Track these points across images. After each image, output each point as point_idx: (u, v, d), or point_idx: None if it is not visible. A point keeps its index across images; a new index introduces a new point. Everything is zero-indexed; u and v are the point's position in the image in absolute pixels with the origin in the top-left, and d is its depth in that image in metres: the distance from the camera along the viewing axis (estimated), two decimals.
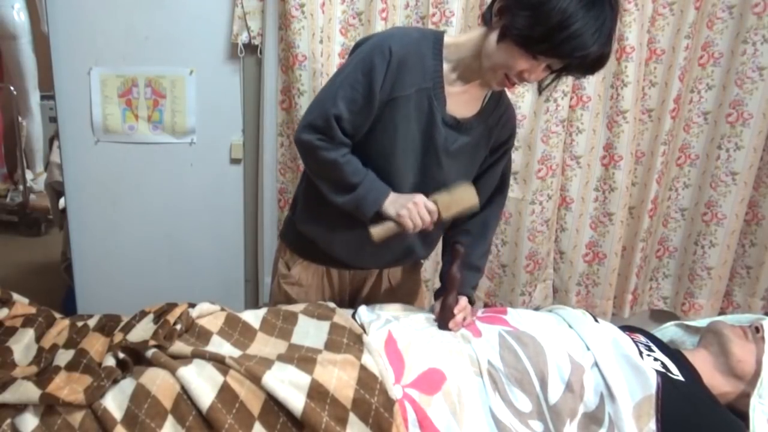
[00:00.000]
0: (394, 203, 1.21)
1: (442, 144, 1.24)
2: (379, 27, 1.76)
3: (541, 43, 1.05)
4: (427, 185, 1.26)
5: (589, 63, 1.08)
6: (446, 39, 1.22)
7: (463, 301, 1.32)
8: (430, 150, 1.24)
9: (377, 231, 1.21)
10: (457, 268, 1.33)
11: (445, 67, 1.21)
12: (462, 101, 1.24)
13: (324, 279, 1.43)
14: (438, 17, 1.78)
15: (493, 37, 1.12)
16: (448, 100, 1.22)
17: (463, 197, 1.23)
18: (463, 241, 1.37)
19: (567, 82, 1.85)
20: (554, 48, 1.05)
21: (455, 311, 1.29)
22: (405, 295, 1.49)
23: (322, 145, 1.19)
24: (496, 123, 1.31)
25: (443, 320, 1.29)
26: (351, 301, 1.49)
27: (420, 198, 1.21)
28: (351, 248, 1.35)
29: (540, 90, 1.23)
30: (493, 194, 1.41)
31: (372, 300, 1.47)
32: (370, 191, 1.21)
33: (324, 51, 1.78)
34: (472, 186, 1.25)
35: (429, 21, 1.78)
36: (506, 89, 1.26)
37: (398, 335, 1.18)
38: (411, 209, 1.19)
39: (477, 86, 1.24)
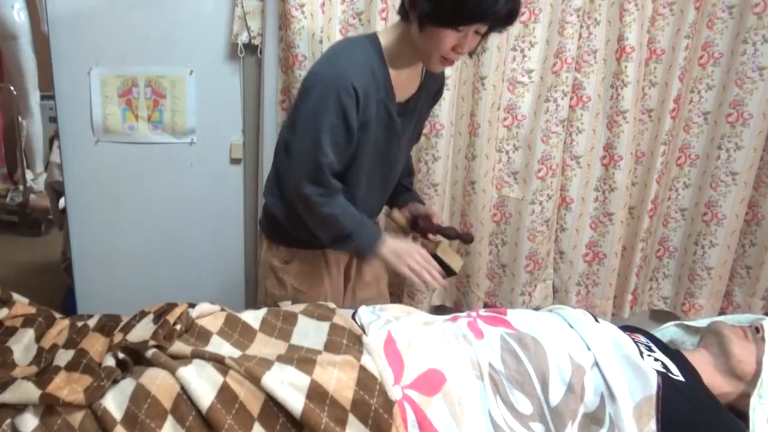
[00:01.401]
0: (394, 254, 1.34)
1: (400, 130, 1.37)
2: (379, 27, 1.76)
3: (456, 16, 1.14)
4: (385, 163, 1.40)
5: (504, 17, 1.17)
6: (382, 42, 1.29)
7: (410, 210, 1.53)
8: (392, 140, 1.37)
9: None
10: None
11: (390, 70, 1.30)
12: (406, 84, 1.35)
13: (322, 261, 1.50)
14: None
15: (415, 28, 1.22)
16: (396, 90, 1.32)
17: (454, 261, 1.46)
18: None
19: (567, 82, 1.85)
20: (470, 15, 1.14)
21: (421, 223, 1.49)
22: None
23: (321, 201, 1.28)
24: (434, 84, 1.46)
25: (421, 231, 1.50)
26: (346, 273, 1.58)
27: (422, 251, 1.35)
28: None
29: (471, 55, 1.32)
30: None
31: (363, 264, 1.60)
32: (363, 237, 1.33)
33: (324, 51, 1.77)
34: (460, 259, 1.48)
35: None
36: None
37: (398, 336, 1.18)
38: (415, 266, 1.33)
39: (415, 65, 1.34)
